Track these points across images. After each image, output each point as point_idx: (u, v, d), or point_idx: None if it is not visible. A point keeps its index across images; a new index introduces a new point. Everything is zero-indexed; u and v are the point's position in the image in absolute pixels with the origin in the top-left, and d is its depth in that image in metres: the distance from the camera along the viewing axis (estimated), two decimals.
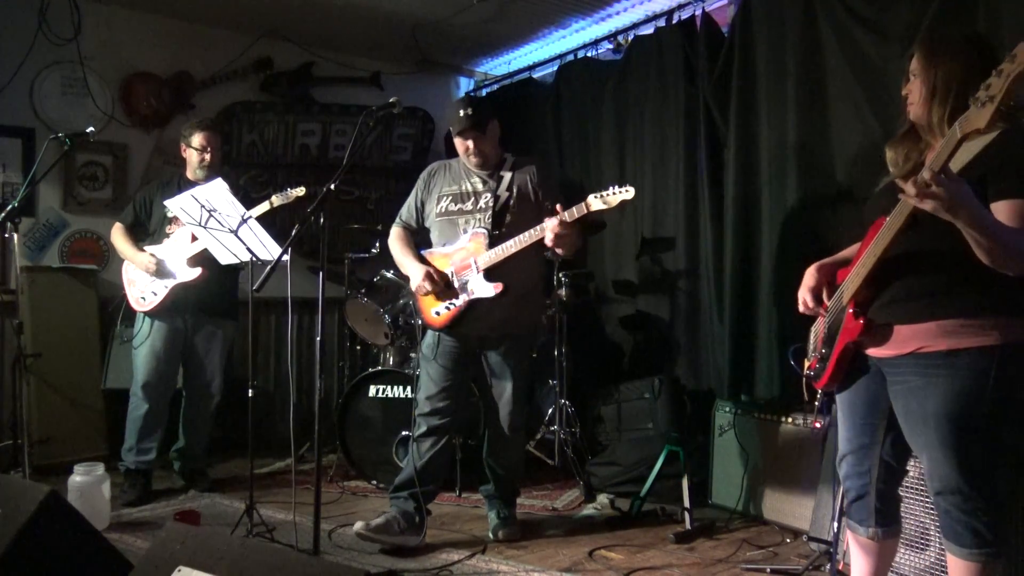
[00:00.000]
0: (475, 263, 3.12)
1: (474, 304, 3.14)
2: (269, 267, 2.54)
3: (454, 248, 3.21)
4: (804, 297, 2.18)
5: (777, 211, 3.66)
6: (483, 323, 3.18)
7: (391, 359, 4.30)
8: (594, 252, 4.80)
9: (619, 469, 3.81)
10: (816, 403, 2.28)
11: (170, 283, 3.75)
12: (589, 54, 4.99)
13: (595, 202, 2.86)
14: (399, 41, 5.26)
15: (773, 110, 3.69)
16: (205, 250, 3.67)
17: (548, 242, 2.92)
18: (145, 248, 3.82)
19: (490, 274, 3.11)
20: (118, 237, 3.89)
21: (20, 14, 4.48)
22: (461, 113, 3.15)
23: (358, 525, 3.16)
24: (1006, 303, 1.87)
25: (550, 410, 4.37)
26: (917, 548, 2.53)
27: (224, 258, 3.36)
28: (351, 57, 5.54)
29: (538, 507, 3.80)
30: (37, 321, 4.21)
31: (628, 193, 2.83)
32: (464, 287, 3.16)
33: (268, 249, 3.17)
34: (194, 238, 3.70)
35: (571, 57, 5.10)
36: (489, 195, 3.20)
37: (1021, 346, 1.87)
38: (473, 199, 3.24)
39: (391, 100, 2.78)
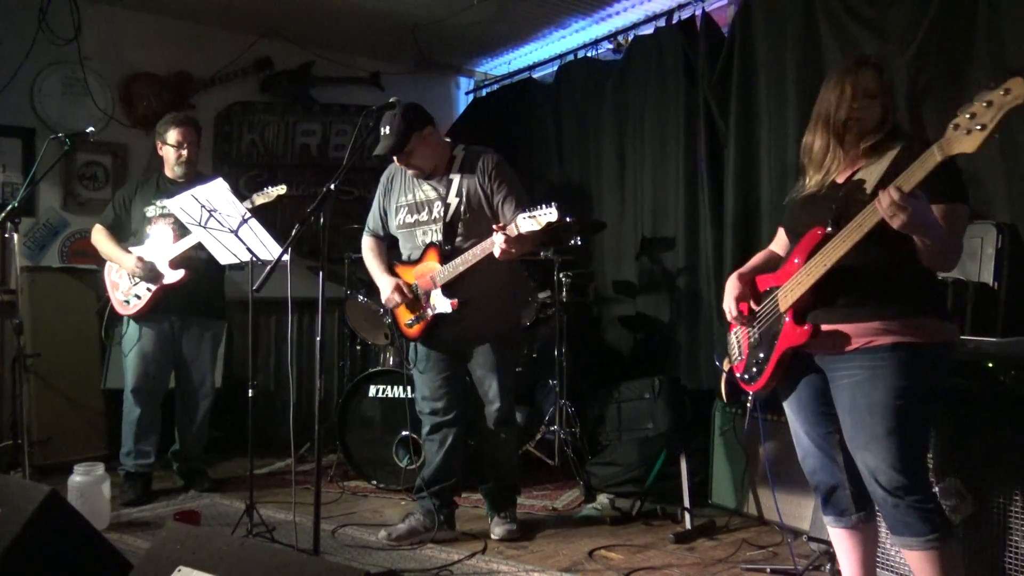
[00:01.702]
0: (433, 279, 3.09)
1: (441, 316, 3.11)
2: (269, 267, 2.54)
3: (416, 261, 3.19)
4: (730, 307, 2.26)
5: (777, 211, 3.66)
6: (456, 329, 3.16)
7: (391, 359, 4.30)
8: (594, 252, 4.80)
9: (619, 469, 3.80)
10: (748, 405, 2.35)
11: (153, 285, 3.71)
12: (589, 54, 5.00)
13: (524, 223, 2.79)
14: (399, 41, 5.27)
15: (773, 110, 3.69)
16: (187, 252, 3.66)
17: (498, 256, 2.86)
18: (131, 250, 3.77)
19: (450, 288, 3.06)
20: (101, 239, 3.83)
21: (20, 14, 4.48)
22: (381, 130, 3.04)
23: (381, 534, 3.21)
24: (937, 308, 2.07)
25: (550, 410, 4.37)
26: None
27: (224, 258, 3.36)
28: (351, 57, 5.54)
29: (538, 507, 3.80)
30: (37, 321, 4.21)
31: (551, 215, 2.72)
32: (427, 301, 3.13)
33: (268, 249, 3.17)
34: (176, 239, 3.69)
35: (571, 57, 5.10)
36: (439, 203, 3.14)
37: (947, 346, 2.07)
38: (427, 209, 3.18)
39: (391, 100, 2.78)
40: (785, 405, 2.28)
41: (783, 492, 3.36)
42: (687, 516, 3.38)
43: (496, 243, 2.84)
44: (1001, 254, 2.63)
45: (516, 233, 2.80)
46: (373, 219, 3.38)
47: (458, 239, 3.11)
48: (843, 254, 1.97)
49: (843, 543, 2.24)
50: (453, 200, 3.13)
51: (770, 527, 3.39)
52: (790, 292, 2.10)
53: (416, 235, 3.21)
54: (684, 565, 2.99)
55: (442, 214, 3.12)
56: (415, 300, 3.17)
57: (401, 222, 3.25)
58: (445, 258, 3.07)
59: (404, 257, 3.29)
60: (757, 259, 2.41)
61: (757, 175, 3.78)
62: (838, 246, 1.98)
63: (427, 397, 3.27)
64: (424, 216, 3.19)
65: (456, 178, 3.15)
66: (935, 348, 2.01)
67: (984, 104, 1.71)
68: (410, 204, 3.23)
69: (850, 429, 2.06)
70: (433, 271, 3.10)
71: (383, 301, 3.26)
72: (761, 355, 2.19)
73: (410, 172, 3.19)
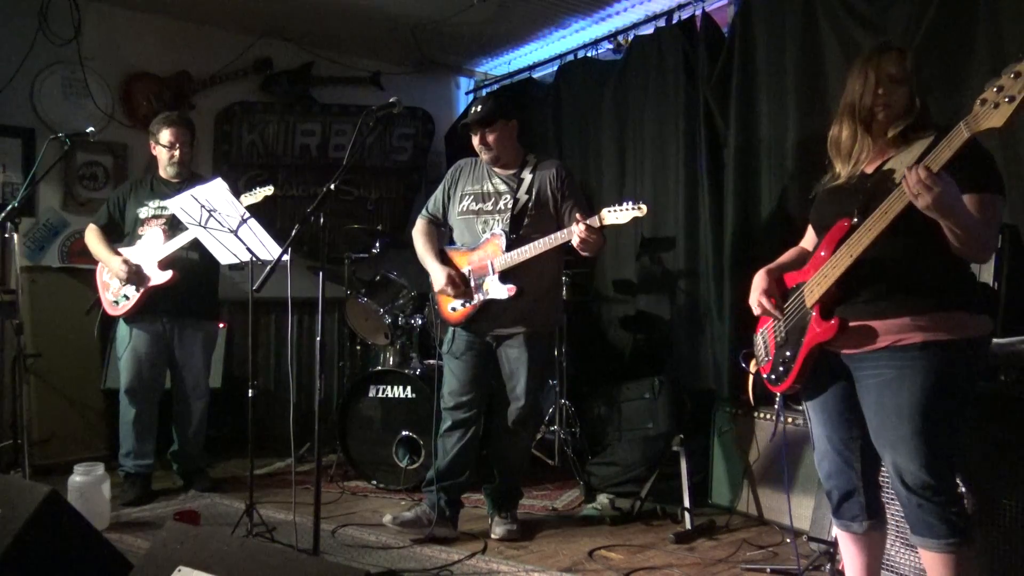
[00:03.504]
0: (491, 264, 3.17)
1: (489, 303, 3.19)
2: (269, 267, 2.54)
3: (473, 248, 3.27)
4: (760, 300, 2.20)
5: (777, 210, 3.66)
6: (499, 320, 3.23)
7: (391, 359, 4.30)
8: None
9: (619, 469, 3.81)
10: (775, 406, 2.30)
11: (141, 287, 3.71)
12: (589, 54, 4.99)
13: (608, 216, 2.94)
14: (399, 41, 5.26)
15: (773, 110, 3.69)
16: (177, 252, 3.66)
17: (576, 245, 2.99)
18: (120, 251, 3.77)
19: (506, 276, 3.16)
20: (92, 239, 3.83)
21: (20, 14, 4.48)
22: (471, 108, 3.25)
23: (386, 517, 3.25)
24: (969, 301, 1.97)
25: (550, 410, 4.37)
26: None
27: (224, 258, 3.36)
28: (351, 57, 5.55)
29: (538, 507, 3.80)
30: (37, 321, 4.21)
31: (641, 211, 2.90)
32: (480, 287, 3.21)
33: (268, 249, 3.17)
34: (166, 239, 3.69)
35: (571, 57, 5.10)
36: (509, 197, 3.25)
37: (981, 341, 1.99)
38: (494, 200, 3.28)
39: (391, 100, 2.78)
40: (807, 406, 2.23)
41: (782, 492, 3.36)
42: (687, 516, 3.38)
43: (575, 232, 2.95)
44: (1001, 254, 2.62)
45: (599, 225, 2.94)
46: (434, 203, 3.48)
47: (522, 231, 3.20)
48: (868, 244, 1.91)
49: (849, 547, 2.23)
50: (523, 196, 3.24)
51: (770, 527, 3.40)
52: (816, 286, 2.04)
53: (476, 223, 3.29)
54: (684, 565, 2.99)
55: (510, 206, 3.23)
56: (466, 290, 3.24)
57: (464, 209, 3.34)
58: (510, 246, 3.16)
59: (458, 245, 3.37)
60: (787, 256, 2.34)
61: (757, 175, 3.77)
62: (863, 236, 1.92)
63: (454, 391, 3.30)
64: (489, 206, 3.28)
65: (528, 177, 3.27)
66: (967, 344, 1.94)
67: (1012, 76, 1.65)
68: (476, 193, 3.33)
69: (876, 428, 2.02)
70: (493, 256, 3.18)
71: (435, 291, 3.33)
72: (788, 353, 2.14)
73: (484, 158, 3.30)
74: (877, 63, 2.04)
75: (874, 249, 1.92)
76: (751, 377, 2.35)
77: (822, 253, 2.05)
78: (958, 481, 2.01)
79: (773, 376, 2.21)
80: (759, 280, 2.24)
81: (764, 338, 2.29)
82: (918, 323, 1.93)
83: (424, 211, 3.50)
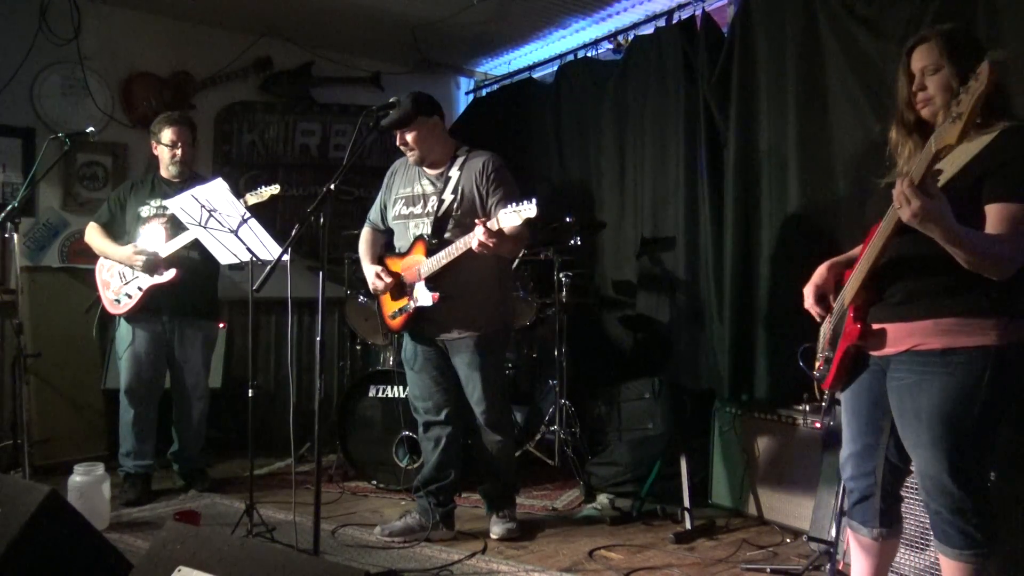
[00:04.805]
0: (419, 271, 3.12)
1: (423, 309, 3.13)
2: (269, 267, 2.54)
3: (404, 253, 3.23)
4: (807, 293, 2.18)
5: (777, 211, 3.66)
6: (440, 325, 3.18)
7: (391, 359, 4.30)
8: (594, 252, 4.80)
9: (619, 469, 3.81)
10: (823, 403, 2.28)
11: (144, 284, 3.71)
12: (589, 54, 4.99)
13: (504, 218, 2.80)
14: (399, 41, 5.26)
15: (773, 110, 3.69)
16: (179, 251, 3.66)
17: (475, 250, 2.86)
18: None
19: (435, 281, 3.08)
20: (95, 236, 3.83)
21: (20, 14, 4.48)
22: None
23: (377, 530, 3.25)
24: (1003, 304, 1.86)
25: (550, 410, 4.37)
26: (917, 548, 2.53)
27: (224, 258, 3.36)
28: (351, 57, 5.54)
29: (538, 507, 3.80)
30: (37, 321, 4.21)
31: (523, 212, 2.74)
32: (411, 294, 3.16)
33: (268, 249, 3.17)
34: (168, 239, 3.69)
35: (571, 57, 5.10)
36: (435, 198, 3.18)
37: (1016, 347, 1.86)
38: (422, 202, 3.22)
39: (391, 100, 2.79)
40: (842, 401, 2.21)
41: (782, 492, 3.37)
42: (687, 516, 3.38)
43: (475, 236, 2.83)
44: None
45: (496, 227, 2.81)
46: (374, 211, 3.45)
47: (447, 234, 3.14)
48: (880, 249, 1.88)
49: (857, 550, 2.22)
50: (448, 196, 3.16)
51: (770, 527, 3.40)
52: (850, 287, 2.02)
53: (408, 227, 3.25)
54: (684, 565, 2.99)
55: (434, 208, 3.16)
56: (400, 290, 3.20)
57: (397, 214, 3.30)
58: (431, 251, 3.10)
59: (396, 250, 3.33)
60: (854, 251, 2.24)
61: (757, 175, 3.77)
62: (876, 241, 1.89)
63: (417, 396, 3.31)
64: (418, 209, 3.23)
65: (455, 176, 3.18)
66: (1001, 350, 1.83)
67: (964, 92, 1.61)
68: (407, 197, 3.28)
69: (901, 430, 1.99)
70: (419, 263, 3.12)
71: (370, 289, 3.32)
72: (829, 353, 2.13)
73: (410, 159, 3.23)
74: (906, 62, 1.98)
75: (896, 251, 1.88)
76: (815, 374, 2.27)
77: (862, 255, 2.02)
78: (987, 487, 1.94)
79: (818, 373, 2.21)
80: (816, 274, 2.20)
81: (824, 333, 2.25)
82: (942, 327, 1.87)
83: (367, 219, 3.47)
